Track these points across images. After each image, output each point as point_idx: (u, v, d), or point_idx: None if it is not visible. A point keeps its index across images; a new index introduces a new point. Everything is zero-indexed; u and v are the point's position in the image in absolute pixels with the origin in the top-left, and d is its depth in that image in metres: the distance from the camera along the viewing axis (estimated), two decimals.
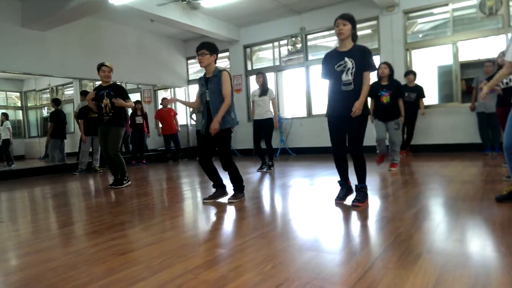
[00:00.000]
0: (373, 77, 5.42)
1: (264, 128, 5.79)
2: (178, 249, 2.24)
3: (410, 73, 6.87)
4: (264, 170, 5.85)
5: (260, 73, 5.86)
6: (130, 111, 8.65)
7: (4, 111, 8.89)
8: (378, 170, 5.25)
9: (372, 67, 3.08)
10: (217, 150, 3.58)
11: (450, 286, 1.54)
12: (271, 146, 5.92)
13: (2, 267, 2.17)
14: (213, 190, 3.69)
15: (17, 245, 2.59)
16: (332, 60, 3.15)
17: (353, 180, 3.25)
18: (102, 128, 4.86)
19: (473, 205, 2.92)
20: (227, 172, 3.59)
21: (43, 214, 3.76)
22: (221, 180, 3.65)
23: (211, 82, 3.46)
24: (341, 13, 3.10)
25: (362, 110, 3.05)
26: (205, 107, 3.53)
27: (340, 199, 3.25)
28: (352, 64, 3.03)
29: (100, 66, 4.79)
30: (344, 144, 3.20)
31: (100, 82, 4.97)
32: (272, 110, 5.77)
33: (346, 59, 3.05)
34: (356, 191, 3.20)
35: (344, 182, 3.28)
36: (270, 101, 5.73)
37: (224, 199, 3.63)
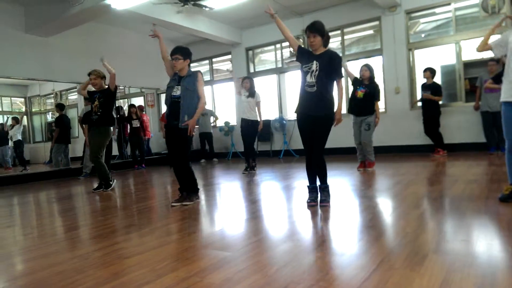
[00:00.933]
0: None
1: (248, 130, 5.93)
2: (183, 252, 2.24)
3: (427, 70, 6.72)
4: (248, 172, 6.07)
5: (247, 78, 6.03)
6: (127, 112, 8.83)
7: (9, 116, 8.98)
8: (380, 170, 5.22)
9: (338, 75, 3.16)
10: (177, 148, 3.70)
11: (457, 286, 1.53)
12: (253, 148, 6.10)
13: (9, 271, 2.19)
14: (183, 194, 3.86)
15: (23, 249, 2.61)
16: (304, 58, 3.25)
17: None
18: (92, 130, 5.02)
19: (478, 205, 2.90)
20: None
21: (48, 218, 3.77)
22: (186, 186, 3.87)
23: (185, 80, 3.66)
24: (311, 23, 3.16)
25: (326, 110, 3.15)
26: (170, 101, 3.67)
27: (313, 201, 3.30)
28: (317, 67, 3.12)
29: (89, 74, 5.03)
30: None
31: None
32: (257, 112, 5.92)
33: (314, 62, 3.14)
34: (320, 191, 3.23)
35: (315, 185, 3.36)
36: (256, 104, 5.88)
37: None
